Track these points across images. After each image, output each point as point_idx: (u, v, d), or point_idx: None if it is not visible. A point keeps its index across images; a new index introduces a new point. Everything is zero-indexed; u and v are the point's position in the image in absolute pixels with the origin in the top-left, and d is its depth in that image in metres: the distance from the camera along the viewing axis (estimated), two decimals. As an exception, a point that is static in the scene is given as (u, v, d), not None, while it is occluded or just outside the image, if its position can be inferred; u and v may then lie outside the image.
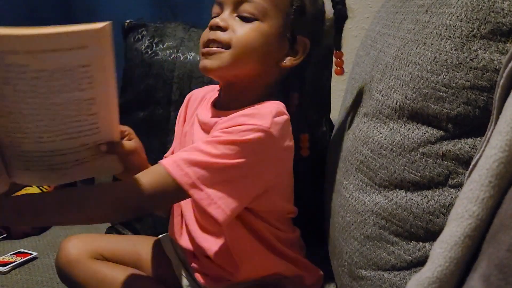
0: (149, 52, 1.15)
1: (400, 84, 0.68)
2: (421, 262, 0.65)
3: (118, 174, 0.79)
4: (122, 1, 1.54)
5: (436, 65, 0.62)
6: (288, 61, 0.78)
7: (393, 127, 0.69)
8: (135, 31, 1.18)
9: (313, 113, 1.09)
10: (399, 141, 0.68)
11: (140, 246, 0.91)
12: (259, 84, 0.80)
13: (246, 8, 0.75)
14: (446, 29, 0.62)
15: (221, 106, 0.82)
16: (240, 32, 0.74)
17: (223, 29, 0.75)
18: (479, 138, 0.61)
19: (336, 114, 1.03)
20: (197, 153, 0.69)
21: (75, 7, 1.59)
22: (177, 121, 0.94)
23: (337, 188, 0.83)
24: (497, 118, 0.43)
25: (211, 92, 0.90)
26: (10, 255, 1.07)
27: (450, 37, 0.61)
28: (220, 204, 0.69)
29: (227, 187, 0.69)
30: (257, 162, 0.71)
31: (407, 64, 0.67)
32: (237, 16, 0.75)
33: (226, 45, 0.74)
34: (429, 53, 0.64)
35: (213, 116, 0.80)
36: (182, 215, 0.85)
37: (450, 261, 0.41)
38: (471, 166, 0.45)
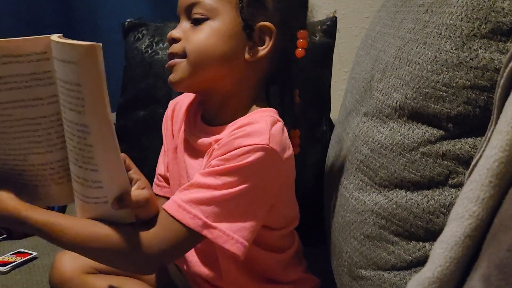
0: (149, 52, 1.15)
1: (400, 83, 0.68)
2: (421, 262, 0.65)
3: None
4: (122, 0, 1.54)
5: (436, 64, 0.62)
6: (254, 53, 0.72)
7: (393, 126, 0.69)
8: (135, 30, 1.19)
9: (313, 112, 1.09)
10: (399, 141, 0.68)
11: None
12: (239, 88, 0.75)
13: (196, 10, 0.72)
14: (447, 28, 0.62)
15: (210, 121, 0.78)
16: (192, 37, 0.72)
17: (177, 40, 0.73)
18: (479, 138, 0.61)
19: (336, 113, 1.03)
20: (198, 190, 0.66)
21: (76, 6, 1.59)
22: (164, 133, 0.89)
23: (337, 188, 0.83)
24: (498, 117, 0.43)
25: (186, 102, 0.85)
26: (10, 255, 1.08)
27: (450, 36, 0.61)
28: (238, 238, 0.66)
29: (238, 216, 0.67)
30: (262, 182, 0.68)
31: (408, 64, 0.67)
32: (192, 20, 0.73)
33: (182, 55, 0.72)
34: (429, 53, 0.64)
35: (204, 134, 0.76)
36: None
37: (451, 261, 0.41)
38: (471, 166, 0.45)
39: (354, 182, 0.76)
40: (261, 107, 0.75)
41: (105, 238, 0.64)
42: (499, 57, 0.57)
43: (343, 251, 0.78)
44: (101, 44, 0.56)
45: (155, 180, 0.89)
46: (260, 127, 0.68)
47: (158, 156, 0.95)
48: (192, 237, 0.66)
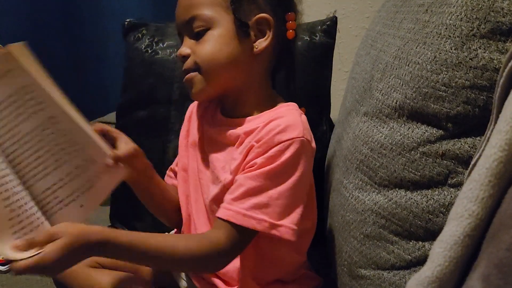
0: (150, 51, 1.15)
1: (400, 83, 0.68)
2: (420, 261, 0.65)
3: (127, 179, 0.79)
4: (122, 0, 1.54)
5: (436, 64, 0.62)
6: (259, 44, 0.76)
7: (393, 126, 0.69)
8: (136, 30, 1.19)
9: (313, 112, 1.09)
10: (399, 141, 0.68)
11: None
12: (251, 81, 0.79)
13: (196, 24, 0.76)
14: (446, 28, 0.62)
15: (230, 114, 0.81)
16: (199, 50, 0.76)
17: (186, 56, 0.77)
18: (478, 138, 0.61)
19: (336, 113, 1.04)
20: (256, 195, 0.70)
21: (76, 6, 1.58)
22: (181, 134, 0.92)
23: (337, 187, 0.83)
24: (497, 117, 0.43)
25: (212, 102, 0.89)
26: (10, 254, 1.07)
27: (450, 36, 0.61)
28: (293, 227, 0.71)
29: (293, 206, 0.72)
30: (303, 169, 0.72)
31: (407, 64, 0.67)
32: (193, 34, 0.76)
33: (195, 68, 0.76)
34: (429, 53, 0.64)
35: (228, 127, 0.79)
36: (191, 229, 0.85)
37: (450, 260, 0.41)
38: (470, 166, 0.45)
39: (354, 181, 0.76)
40: (276, 98, 0.81)
41: (185, 248, 0.69)
42: (499, 57, 0.58)
43: (343, 251, 0.78)
44: (16, 44, 0.59)
45: (167, 172, 0.94)
46: (293, 121, 0.72)
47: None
48: (255, 236, 0.73)
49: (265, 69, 0.80)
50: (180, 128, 0.91)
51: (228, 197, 0.72)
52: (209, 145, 0.83)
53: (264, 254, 0.78)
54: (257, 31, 0.76)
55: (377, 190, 0.71)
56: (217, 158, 0.80)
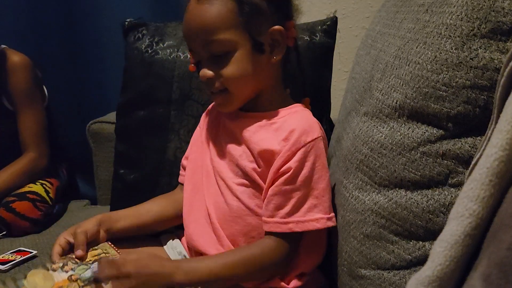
0: (150, 51, 1.15)
1: (400, 83, 0.68)
2: (421, 261, 0.65)
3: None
4: (122, 0, 1.54)
5: (436, 64, 0.62)
6: (276, 54, 0.82)
7: (393, 126, 0.69)
8: (135, 30, 1.18)
9: (313, 112, 1.09)
10: (399, 140, 0.68)
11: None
12: (269, 82, 0.85)
13: (216, 49, 0.79)
14: (447, 28, 0.62)
15: (250, 109, 0.87)
16: (224, 73, 0.79)
17: (211, 79, 0.80)
18: (479, 137, 0.61)
19: (336, 113, 1.04)
20: (305, 200, 0.78)
21: (76, 6, 1.58)
22: (196, 132, 0.99)
23: (337, 187, 0.83)
24: (498, 117, 0.43)
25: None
26: (10, 253, 1.08)
27: (450, 36, 0.61)
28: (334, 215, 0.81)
29: (329, 195, 0.81)
30: (326, 163, 0.81)
31: (407, 63, 0.67)
32: (212, 56, 0.80)
33: (223, 90, 0.81)
34: (429, 52, 0.64)
35: (247, 119, 0.85)
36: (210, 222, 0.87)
37: (451, 260, 0.41)
38: (471, 165, 0.45)
39: (354, 181, 0.76)
40: (288, 97, 0.90)
41: (252, 257, 0.78)
42: (499, 57, 0.58)
43: (343, 251, 0.78)
44: None
45: (181, 171, 0.99)
46: (312, 123, 0.81)
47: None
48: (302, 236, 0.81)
49: (279, 71, 0.87)
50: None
51: (280, 212, 0.78)
52: (226, 137, 0.88)
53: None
54: (271, 42, 0.81)
55: (377, 190, 0.71)
56: (234, 148, 0.85)
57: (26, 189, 1.32)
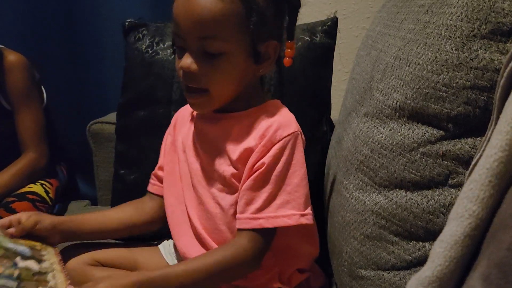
0: (150, 52, 1.15)
1: (400, 84, 0.68)
2: (421, 261, 0.65)
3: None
4: (122, 0, 1.54)
5: (436, 65, 0.62)
6: (264, 68, 0.79)
7: (393, 127, 0.69)
8: (136, 30, 1.19)
9: (313, 112, 1.09)
10: (399, 141, 0.68)
11: (138, 253, 0.91)
12: (249, 85, 0.81)
13: (211, 46, 0.73)
14: (447, 29, 0.62)
15: (223, 110, 0.82)
16: (213, 75, 0.74)
17: (194, 74, 0.74)
18: (479, 138, 0.61)
19: (336, 114, 1.04)
20: (276, 195, 0.76)
21: (76, 6, 1.58)
22: (164, 142, 0.95)
23: (337, 188, 0.83)
24: (498, 117, 0.43)
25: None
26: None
27: (450, 37, 0.61)
28: (311, 212, 0.78)
29: (307, 192, 0.78)
30: (303, 158, 0.78)
31: (408, 64, 0.67)
32: (204, 51, 0.73)
33: (204, 91, 0.76)
34: (429, 53, 0.64)
35: (222, 121, 0.81)
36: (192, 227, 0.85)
37: (450, 260, 0.41)
38: (471, 166, 0.45)
39: (354, 182, 0.76)
40: (263, 95, 0.86)
41: (223, 260, 0.75)
42: (499, 58, 0.58)
43: (343, 251, 0.78)
44: None
45: (151, 180, 0.95)
46: (288, 118, 0.79)
47: (158, 156, 0.95)
48: (275, 233, 0.78)
49: (259, 76, 0.83)
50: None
51: (250, 208, 0.76)
52: (202, 142, 0.84)
53: (283, 249, 0.82)
54: (264, 54, 0.77)
55: (377, 191, 0.71)
56: (212, 153, 0.81)
57: (25, 189, 1.32)
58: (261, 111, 0.80)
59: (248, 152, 0.77)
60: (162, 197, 0.91)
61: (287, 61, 0.80)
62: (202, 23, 0.71)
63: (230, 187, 0.79)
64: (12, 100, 1.39)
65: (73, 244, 0.89)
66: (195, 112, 0.88)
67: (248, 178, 0.76)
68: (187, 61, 0.74)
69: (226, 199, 0.79)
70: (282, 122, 0.77)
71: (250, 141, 0.77)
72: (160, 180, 0.93)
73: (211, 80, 0.75)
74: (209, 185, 0.81)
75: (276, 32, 0.78)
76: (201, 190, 0.82)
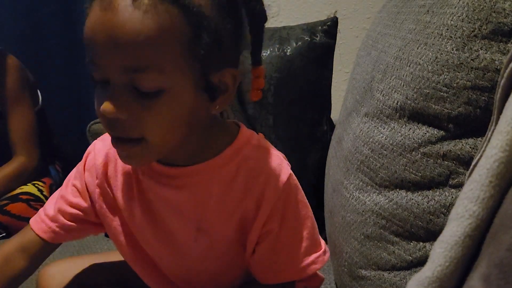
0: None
1: (401, 84, 0.68)
2: (421, 262, 0.65)
3: None
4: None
5: (437, 65, 0.62)
6: (219, 104, 0.59)
7: (393, 127, 0.69)
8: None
9: (313, 112, 1.10)
10: (400, 141, 0.68)
11: (124, 267, 0.78)
12: (201, 126, 0.61)
13: (143, 82, 0.52)
14: (448, 29, 0.62)
15: (175, 161, 0.63)
16: (148, 120, 0.54)
17: (122, 121, 0.54)
18: (479, 138, 0.61)
19: (337, 114, 1.04)
20: (299, 245, 0.67)
21: (75, 7, 1.59)
22: (97, 194, 0.70)
23: (337, 188, 0.83)
24: (498, 118, 0.43)
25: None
26: None
27: (451, 37, 0.61)
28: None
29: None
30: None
31: (408, 64, 0.67)
32: (133, 87, 0.53)
33: (138, 140, 0.55)
34: (430, 53, 0.64)
35: (180, 178, 0.63)
36: None
37: (450, 260, 0.41)
38: (471, 166, 0.45)
39: (354, 182, 0.76)
40: (226, 127, 0.66)
41: None
42: (500, 58, 0.58)
43: (344, 251, 0.78)
44: None
45: (44, 217, 0.72)
46: (275, 157, 0.64)
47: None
48: None
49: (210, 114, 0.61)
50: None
51: (278, 267, 0.67)
52: (156, 204, 0.66)
53: None
54: (220, 86, 0.58)
55: (377, 191, 0.71)
56: (175, 221, 0.66)
57: (17, 191, 1.32)
58: (237, 155, 0.63)
59: (244, 221, 0.64)
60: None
61: (255, 94, 0.62)
62: (127, 49, 0.51)
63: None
64: (4, 102, 1.39)
65: (56, 264, 0.84)
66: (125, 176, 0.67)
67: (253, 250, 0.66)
68: (109, 105, 0.52)
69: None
70: (273, 168, 0.62)
71: (241, 206, 0.63)
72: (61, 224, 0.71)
73: (146, 129, 0.54)
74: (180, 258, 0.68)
75: (234, 56, 0.59)
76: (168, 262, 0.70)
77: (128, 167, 0.67)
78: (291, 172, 0.65)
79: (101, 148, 0.70)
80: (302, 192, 0.67)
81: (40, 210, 0.74)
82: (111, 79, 0.53)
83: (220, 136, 0.64)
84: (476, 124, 0.61)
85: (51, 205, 0.72)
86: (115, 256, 0.83)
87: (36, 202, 1.30)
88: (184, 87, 0.54)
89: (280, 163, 0.64)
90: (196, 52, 0.53)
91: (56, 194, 0.73)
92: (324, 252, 0.70)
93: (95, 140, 0.72)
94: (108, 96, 0.53)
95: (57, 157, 1.59)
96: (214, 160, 0.62)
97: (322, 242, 0.71)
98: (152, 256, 0.71)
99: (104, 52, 0.52)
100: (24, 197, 1.29)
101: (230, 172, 0.62)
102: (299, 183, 0.67)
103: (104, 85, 0.54)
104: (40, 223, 0.71)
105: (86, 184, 0.70)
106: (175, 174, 0.63)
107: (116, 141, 0.57)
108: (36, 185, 1.37)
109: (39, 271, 0.82)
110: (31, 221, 0.73)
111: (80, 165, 0.71)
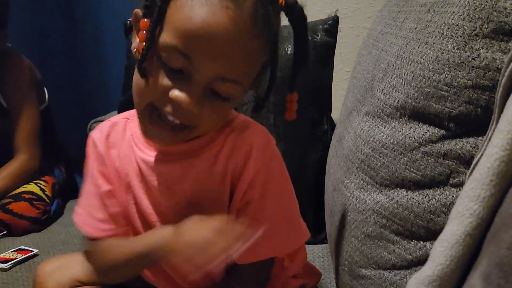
0: (151, 50, 1.15)
1: (402, 83, 0.68)
2: (421, 261, 0.65)
3: None
4: (122, 0, 1.54)
5: (438, 64, 0.62)
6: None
7: (394, 126, 0.69)
8: (137, 29, 1.18)
9: (314, 111, 1.10)
10: (401, 140, 0.68)
11: None
12: None
13: (227, 90, 0.58)
14: (449, 28, 0.62)
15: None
16: (211, 115, 0.60)
17: (192, 113, 0.58)
18: (480, 138, 0.61)
19: (337, 113, 1.04)
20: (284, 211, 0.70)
21: (77, 6, 1.59)
22: (103, 173, 0.73)
23: (338, 187, 0.83)
24: (499, 117, 0.43)
25: (121, 129, 0.73)
26: (11, 252, 1.08)
27: (452, 36, 0.61)
28: None
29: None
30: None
31: (409, 63, 0.67)
32: (212, 89, 0.58)
33: (192, 127, 0.61)
34: (431, 52, 0.64)
35: (182, 155, 0.67)
36: None
37: (451, 259, 0.41)
38: (472, 165, 0.45)
39: (355, 181, 0.76)
40: None
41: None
42: (501, 57, 0.57)
43: (344, 250, 0.78)
44: None
45: (97, 224, 0.74)
46: (263, 130, 0.69)
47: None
48: None
49: None
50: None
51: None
52: (157, 180, 0.69)
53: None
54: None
55: (378, 190, 0.71)
56: (173, 195, 0.69)
57: (20, 189, 1.32)
58: (225, 129, 0.68)
59: (232, 181, 0.67)
60: None
61: (290, 115, 0.65)
62: (234, 63, 0.56)
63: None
64: (10, 100, 1.39)
65: (51, 261, 0.82)
66: (131, 139, 0.71)
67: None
68: (187, 98, 0.56)
69: None
70: (260, 143, 0.66)
71: (229, 166, 0.67)
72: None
73: (205, 121, 0.60)
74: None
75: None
76: None
77: (128, 149, 0.70)
78: (273, 141, 0.69)
79: (98, 136, 0.73)
80: (285, 167, 0.70)
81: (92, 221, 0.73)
82: (198, 78, 0.56)
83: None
84: (477, 123, 0.61)
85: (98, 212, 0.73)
86: None
87: (38, 201, 1.30)
88: (242, 95, 0.62)
89: (266, 133, 0.68)
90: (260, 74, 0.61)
91: (94, 202, 0.73)
92: (304, 233, 0.73)
93: (91, 133, 0.75)
94: (188, 90, 0.56)
95: (61, 157, 1.59)
96: (204, 137, 0.67)
97: (302, 223, 0.73)
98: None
99: (210, 55, 0.55)
100: (27, 196, 1.30)
101: (219, 142, 0.67)
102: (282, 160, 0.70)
103: (182, 75, 0.57)
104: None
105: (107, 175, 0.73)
106: (173, 151, 0.67)
107: (168, 126, 0.60)
108: (39, 184, 1.38)
109: (36, 268, 0.82)
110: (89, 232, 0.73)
111: (91, 164, 0.73)
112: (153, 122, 0.61)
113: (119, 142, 0.72)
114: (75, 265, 0.81)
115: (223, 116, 0.63)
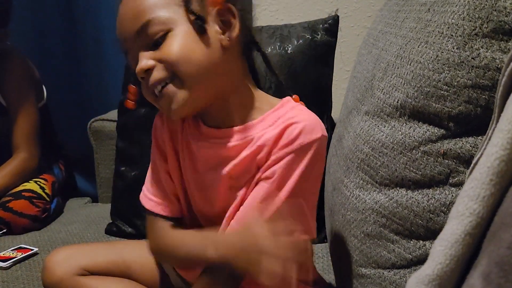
0: (151, 49, 1.15)
1: (401, 82, 0.68)
2: (421, 260, 0.65)
3: None
4: None
5: (438, 63, 0.62)
6: (226, 38, 0.67)
7: (394, 125, 0.69)
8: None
9: (314, 110, 1.09)
10: (400, 140, 0.68)
11: (127, 255, 0.87)
12: (235, 79, 0.71)
13: (152, 30, 0.65)
14: (448, 27, 0.62)
15: (221, 123, 0.73)
16: (167, 52, 0.65)
17: (151, 68, 0.66)
18: (480, 137, 0.61)
19: (337, 112, 1.04)
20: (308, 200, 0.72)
21: (76, 6, 1.59)
22: (157, 156, 0.79)
23: (337, 186, 0.83)
24: (499, 116, 0.43)
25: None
26: (11, 250, 1.08)
27: (452, 35, 0.61)
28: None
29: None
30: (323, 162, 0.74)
31: (409, 63, 0.67)
32: (152, 46, 0.66)
33: (170, 77, 0.66)
34: (431, 52, 0.64)
35: (224, 139, 0.71)
36: None
37: (451, 258, 0.41)
38: (472, 164, 0.45)
39: (355, 180, 0.77)
40: (267, 96, 0.76)
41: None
42: (501, 56, 0.57)
43: (344, 249, 0.78)
44: None
45: (151, 198, 0.80)
46: (310, 119, 0.70)
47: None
48: None
49: (241, 65, 0.73)
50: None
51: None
52: (202, 165, 0.74)
53: None
54: (220, 23, 0.68)
55: (378, 189, 0.71)
56: (216, 179, 0.73)
57: (20, 188, 1.33)
58: (275, 115, 0.71)
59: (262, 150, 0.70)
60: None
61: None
62: (135, 16, 0.66)
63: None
64: (9, 98, 1.39)
65: (60, 250, 0.86)
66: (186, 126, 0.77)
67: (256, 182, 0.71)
68: (140, 64, 0.66)
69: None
70: (306, 129, 0.68)
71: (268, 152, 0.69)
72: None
73: (170, 60, 0.65)
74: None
75: None
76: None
77: (180, 132, 0.76)
78: (325, 136, 0.70)
79: (159, 121, 0.79)
80: (323, 164, 0.72)
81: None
82: (136, 51, 0.67)
83: (261, 104, 0.73)
84: (477, 122, 0.61)
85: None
86: (121, 245, 0.91)
87: (38, 200, 1.31)
88: (185, 24, 0.65)
89: (316, 121, 0.70)
90: None
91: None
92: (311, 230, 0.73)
93: (156, 116, 0.81)
94: (135, 60, 0.67)
95: (60, 155, 1.59)
96: (251, 123, 0.71)
97: (313, 230, 0.74)
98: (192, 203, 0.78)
99: (126, 31, 0.67)
100: (26, 194, 1.30)
101: (265, 128, 0.70)
102: (325, 156, 0.72)
103: (127, 55, 0.69)
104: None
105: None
106: (211, 133, 0.73)
107: (154, 89, 0.67)
108: (39, 182, 1.38)
109: (44, 259, 0.84)
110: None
111: (153, 146, 0.79)
112: (155, 102, 0.69)
113: (175, 126, 0.77)
114: (82, 255, 0.86)
115: (180, 42, 0.65)
